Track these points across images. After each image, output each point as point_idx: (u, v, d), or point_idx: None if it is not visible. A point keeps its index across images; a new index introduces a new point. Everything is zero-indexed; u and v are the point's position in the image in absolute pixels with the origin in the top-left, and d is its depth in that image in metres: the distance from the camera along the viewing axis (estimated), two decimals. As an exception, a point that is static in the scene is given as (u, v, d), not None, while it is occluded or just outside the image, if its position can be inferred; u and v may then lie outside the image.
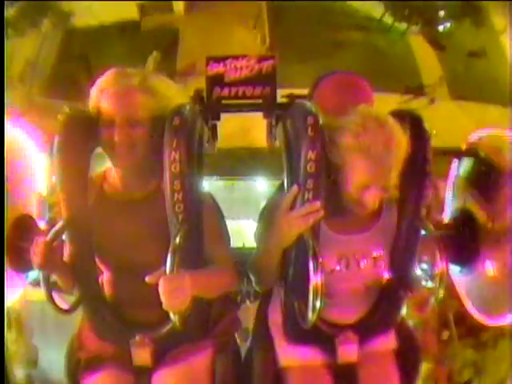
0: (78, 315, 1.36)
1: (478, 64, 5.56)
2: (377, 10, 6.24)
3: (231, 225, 1.42)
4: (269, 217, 1.29)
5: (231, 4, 5.92)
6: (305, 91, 1.51)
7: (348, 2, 6.36)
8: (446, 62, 5.72)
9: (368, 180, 1.17)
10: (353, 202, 1.22)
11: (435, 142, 1.27)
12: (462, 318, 2.09)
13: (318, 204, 1.17)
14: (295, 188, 1.20)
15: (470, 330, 2.10)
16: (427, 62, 5.86)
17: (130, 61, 1.41)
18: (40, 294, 1.21)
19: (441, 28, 6.00)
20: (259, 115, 1.55)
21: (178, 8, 6.40)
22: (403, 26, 6.12)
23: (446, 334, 2.21)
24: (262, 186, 2.93)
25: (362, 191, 1.19)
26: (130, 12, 6.24)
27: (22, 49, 5.21)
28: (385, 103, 1.37)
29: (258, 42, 5.77)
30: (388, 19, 6.24)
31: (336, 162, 1.19)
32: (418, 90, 5.08)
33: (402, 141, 1.17)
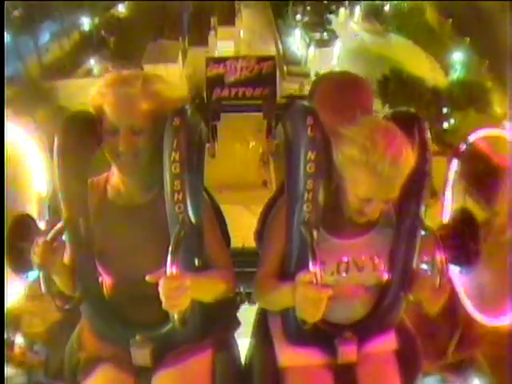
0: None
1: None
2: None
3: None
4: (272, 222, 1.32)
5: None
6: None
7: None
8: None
9: (371, 194, 1.17)
10: (353, 211, 1.23)
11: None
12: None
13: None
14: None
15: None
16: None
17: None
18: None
19: (445, 125, 5.88)
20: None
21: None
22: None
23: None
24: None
25: (363, 203, 1.19)
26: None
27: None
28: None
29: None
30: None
31: (339, 171, 1.19)
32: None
33: (409, 156, 1.14)
